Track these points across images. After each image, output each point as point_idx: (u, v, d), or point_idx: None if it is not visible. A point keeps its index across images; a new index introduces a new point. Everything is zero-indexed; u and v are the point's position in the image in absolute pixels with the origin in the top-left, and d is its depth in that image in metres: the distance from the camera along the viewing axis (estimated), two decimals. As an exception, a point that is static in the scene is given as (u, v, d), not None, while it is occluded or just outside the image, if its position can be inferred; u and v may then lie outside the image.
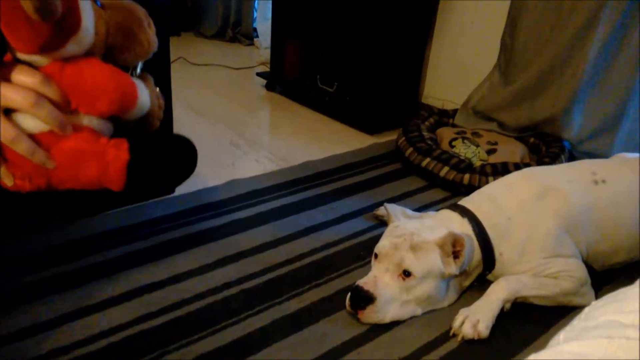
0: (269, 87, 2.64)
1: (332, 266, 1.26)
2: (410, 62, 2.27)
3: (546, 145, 1.82)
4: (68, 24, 0.52)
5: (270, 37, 2.56)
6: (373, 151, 1.97)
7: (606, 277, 1.23)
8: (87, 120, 0.55)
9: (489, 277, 1.19)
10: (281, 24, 2.48)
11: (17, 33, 0.49)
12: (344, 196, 1.61)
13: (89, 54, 0.54)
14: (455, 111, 2.10)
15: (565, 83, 1.77)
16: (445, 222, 1.17)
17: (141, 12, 0.64)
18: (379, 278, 1.09)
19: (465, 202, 1.24)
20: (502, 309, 1.10)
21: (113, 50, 0.58)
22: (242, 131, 2.11)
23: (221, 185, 1.62)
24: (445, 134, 1.94)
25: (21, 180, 0.53)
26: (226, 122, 2.19)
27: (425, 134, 1.88)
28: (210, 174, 1.70)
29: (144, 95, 0.60)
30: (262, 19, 3.48)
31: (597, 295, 1.16)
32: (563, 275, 1.12)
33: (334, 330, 1.06)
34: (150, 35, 0.63)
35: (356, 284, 1.09)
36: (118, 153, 0.56)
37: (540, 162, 1.67)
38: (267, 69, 2.75)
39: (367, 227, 1.45)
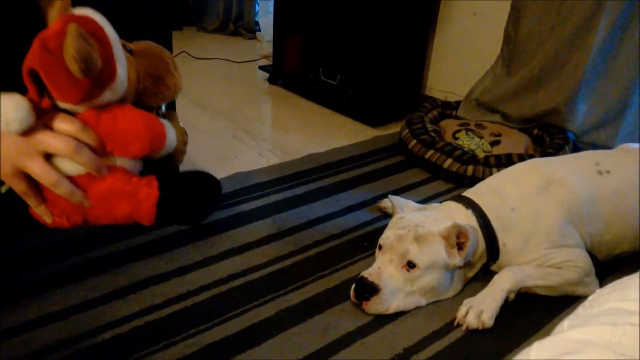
0: (271, 80, 2.64)
1: (336, 258, 1.27)
2: (413, 54, 2.26)
3: (550, 137, 1.82)
4: (104, 76, 0.56)
5: (272, 30, 2.56)
6: (376, 143, 1.97)
7: (610, 267, 1.23)
8: (121, 162, 0.59)
9: (493, 267, 1.19)
10: (283, 17, 2.48)
11: (60, 87, 0.53)
12: (347, 188, 1.61)
13: (122, 100, 0.59)
14: (458, 103, 2.09)
15: (569, 74, 1.76)
16: (449, 214, 1.17)
17: (167, 55, 0.68)
18: (383, 269, 1.09)
19: (469, 193, 1.24)
20: (506, 299, 1.11)
21: (142, 94, 0.62)
22: (245, 125, 2.11)
23: (224, 179, 1.62)
24: (449, 125, 1.93)
25: (60, 217, 0.57)
26: (229, 116, 2.20)
27: (429, 126, 1.88)
28: (214, 167, 1.71)
29: (171, 135, 0.65)
30: (264, 12, 3.47)
31: (601, 285, 1.16)
32: (567, 265, 1.13)
33: (339, 320, 1.06)
34: (176, 78, 0.67)
35: (360, 275, 1.10)
36: (149, 191, 0.60)
37: (544, 154, 1.67)
38: (270, 63, 2.75)
39: (370, 219, 1.45)
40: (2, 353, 0.93)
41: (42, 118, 0.54)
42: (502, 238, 1.15)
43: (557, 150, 1.68)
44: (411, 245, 1.08)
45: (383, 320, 1.07)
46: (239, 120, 2.15)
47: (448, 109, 2.09)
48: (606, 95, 1.78)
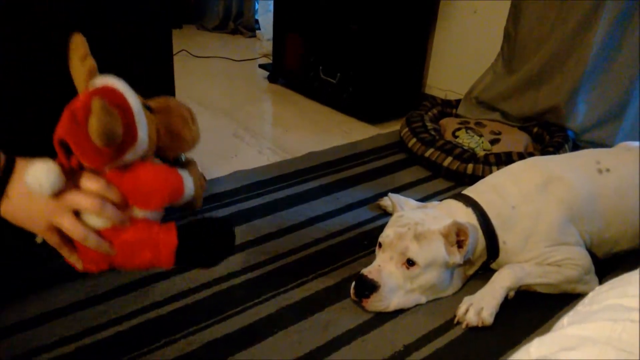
0: (271, 79, 2.64)
1: (337, 256, 1.27)
2: (413, 53, 2.26)
3: (550, 135, 1.82)
4: (126, 141, 0.61)
5: (272, 28, 2.56)
6: (376, 142, 1.97)
7: (610, 265, 1.23)
8: (142, 213, 0.64)
9: (493, 265, 1.20)
10: (283, 15, 2.48)
11: (86, 155, 0.59)
12: (347, 187, 1.61)
13: (143, 157, 0.64)
14: (458, 101, 2.09)
15: (569, 72, 1.76)
16: (449, 212, 1.17)
17: (185, 110, 0.72)
18: (383, 267, 1.10)
19: (469, 191, 1.24)
20: (506, 297, 1.11)
21: (162, 149, 0.67)
22: (245, 123, 2.12)
23: (225, 177, 1.62)
24: (449, 124, 1.93)
25: (89, 264, 0.64)
26: (229, 114, 2.20)
27: (429, 124, 1.88)
28: (214, 165, 1.71)
29: (189, 185, 0.69)
30: (264, 10, 3.47)
31: (601, 283, 1.16)
32: (567, 263, 1.13)
33: (339, 318, 1.07)
34: (194, 131, 0.72)
35: (360, 272, 1.10)
36: (168, 239, 0.65)
37: (544, 152, 1.67)
38: (270, 61, 2.75)
39: (370, 217, 1.45)
40: (4, 350, 0.93)
41: (71, 177, 0.61)
42: (502, 236, 1.16)
43: (557, 149, 1.68)
44: (411, 243, 1.08)
45: (383, 317, 1.08)
46: (239, 119, 2.15)
47: (448, 107, 2.09)
48: (606, 93, 1.78)
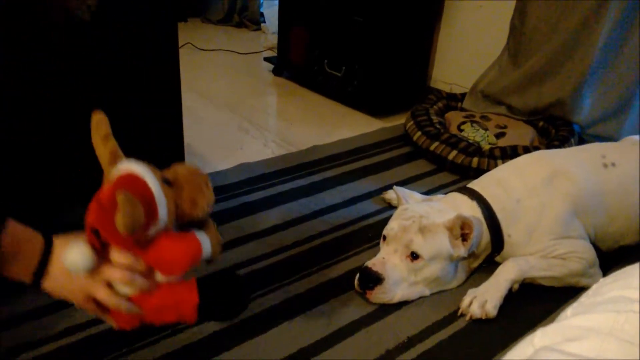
0: (276, 72, 2.64)
1: (341, 248, 1.27)
2: (419, 46, 2.25)
3: (555, 129, 1.81)
4: (148, 221, 0.67)
5: (277, 21, 2.55)
6: (381, 135, 1.97)
7: (614, 258, 1.23)
8: (166, 278, 0.71)
9: (497, 258, 1.20)
10: (288, 8, 2.47)
11: (113, 238, 0.67)
12: (352, 180, 1.62)
13: (164, 229, 0.71)
14: (463, 95, 2.09)
15: (575, 66, 1.75)
16: (454, 205, 1.18)
17: (201, 178, 0.77)
18: (387, 259, 1.10)
19: (474, 185, 1.24)
20: (510, 290, 1.11)
21: (180, 217, 0.72)
22: (250, 116, 2.12)
23: (230, 169, 1.63)
24: (454, 117, 1.93)
25: (122, 324, 0.72)
26: (234, 107, 2.20)
27: (434, 117, 1.88)
28: (219, 158, 1.72)
29: (207, 248, 0.74)
30: (269, 3, 3.46)
31: (605, 277, 1.16)
32: (571, 256, 1.13)
33: (343, 309, 1.07)
34: (209, 197, 0.77)
35: (365, 265, 1.11)
36: (190, 298, 0.72)
37: (549, 146, 1.67)
38: (274, 54, 2.75)
39: (375, 210, 1.46)
40: (5, 340, 0.94)
41: (102, 253, 0.69)
42: (507, 229, 1.16)
43: (562, 143, 1.67)
44: (415, 236, 1.09)
45: (387, 309, 1.08)
46: (244, 112, 2.16)
47: (453, 100, 2.08)
48: (612, 87, 1.77)
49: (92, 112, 0.71)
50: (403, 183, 1.60)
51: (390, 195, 1.49)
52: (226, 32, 3.49)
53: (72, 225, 1.25)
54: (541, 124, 1.89)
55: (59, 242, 0.68)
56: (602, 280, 0.53)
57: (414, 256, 1.09)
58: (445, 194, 1.30)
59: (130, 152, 1.43)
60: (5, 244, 0.64)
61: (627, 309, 0.43)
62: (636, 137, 1.35)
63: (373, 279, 1.08)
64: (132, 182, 0.67)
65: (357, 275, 1.12)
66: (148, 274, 0.70)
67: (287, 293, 1.11)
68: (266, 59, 2.75)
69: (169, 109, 1.45)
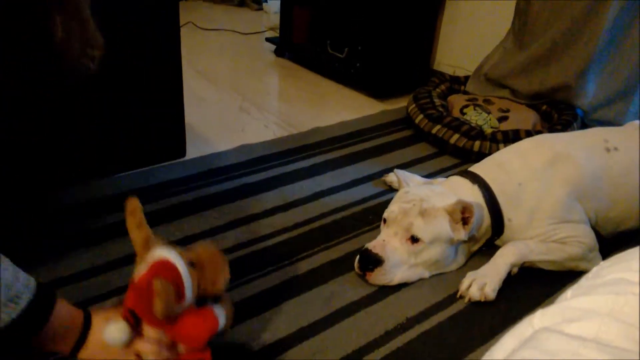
0: (278, 52, 2.61)
1: (341, 230, 1.28)
2: (422, 28, 2.23)
3: (558, 113, 1.80)
4: (177, 301, 0.76)
5: (279, 1, 2.52)
6: (383, 118, 1.96)
7: (614, 244, 1.23)
8: (186, 349, 0.80)
9: (497, 242, 1.20)
10: (291, -13, 2.44)
11: (149, 320, 0.76)
12: (353, 162, 1.61)
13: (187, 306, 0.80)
14: (467, 78, 2.07)
15: (580, 49, 1.74)
16: (455, 189, 1.17)
17: (220, 257, 0.83)
18: (387, 242, 1.10)
19: (475, 168, 1.24)
20: (509, 273, 1.12)
21: (200, 294, 0.80)
22: (252, 97, 2.11)
23: (231, 150, 1.62)
24: (457, 101, 1.92)
25: None
26: (235, 88, 2.19)
27: (436, 100, 1.87)
28: (220, 139, 1.71)
29: (222, 321, 0.82)
30: (272, -18, 3.41)
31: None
32: (571, 241, 1.13)
33: (343, 290, 1.08)
34: (226, 274, 0.83)
35: (365, 246, 1.11)
36: None
37: (552, 130, 1.66)
38: (276, 35, 2.72)
39: (376, 192, 1.46)
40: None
41: (137, 329, 0.77)
42: (508, 213, 1.16)
43: (565, 127, 1.67)
44: (415, 219, 1.09)
45: (386, 291, 1.09)
46: (246, 92, 2.14)
47: (456, 83, 2.07)
48: (617, 72, 1.76)
49: (127, 199, 0.81)
50: (404, 166, 1.60)
51: (391, 178, 1.49)
52: (228, 11, 3.46)
53: (67, 206, 1.25)
54: (544, 108, 1.88)
55: (96, 318, 0.77)
56: (602, 263, 0.53)
57: (414, 239, 1.09)
58: (447, 177, 1.30)
59: (131, 132, 1.43)
60: (53, 326, 0.70)
61: (627, 291, 0.43)
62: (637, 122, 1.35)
63: (373, 261, 1.08)
64: (165, 269, 0.76)
65: (357, 257, 1.12)
66: (172, 344, 0.79)
67: (287, 274, 1.11)
68: (268, 40, 2.72)
69: (170, 88, 1.44)
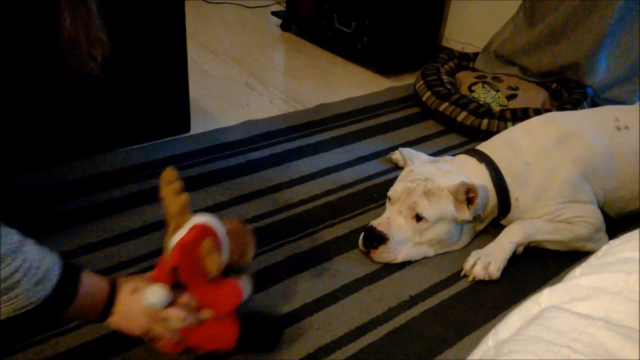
0: (284, 27, 2.57)
1: (346, 207, 1.27)
2: (431, 2, 2.18)
3: (568, 92, 1.77)
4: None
5: (286, -26, 2.47)
6: (390, 94, 1.93)
7: (620, 224, 1.22)
8: (209, 314, 0.82)
9: (503, 221, 1.19)
10: (298, -41, 2.38)
11: (191, 277, 0.78)
12: (359, 139, 1.60)
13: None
14: (476, 55, 2.03)
15: (592, 26, 1.69)
16: (462, 167, 1.16)
17: (248, 232, 0.87)
18: (392, 220, 1.10)
19: (483, 146, 1.22)
20: (514, 253, 1.11)
21: (229, 264, 0.82)
22: (257, 72, 2.08)
23: (236, 126, 1.61)
24: (465, 78, 1.89)
25: (170, 350, 0.82)
26: (240, 63, 2.16)
27: (444, 77, 1.84)
28: (225, 114, 1.70)
29: (247, 292, 0.85)
30: (278, -45, 3.33)
31: (611, 242, 1.15)
32: (578, 221, 1.12)
33: (347, 267, 1.08)
34: (253, 249, 0.88)
35: (370, 224, 1.11)
36: (231, 331, 0.83)
37: (561, 108, 1.63)
38: (283, 8, 2.67)
39: (381, 170, 1.45)
40: None
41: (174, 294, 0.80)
42: (515, 192, 1.15)
43: (574, 106, 1.64)
44: (420, 198, 1.08)
45: (390, 269, 1.09)
46: (251, 67, 2.12)
47: (465, 60, 2.03)
48: (629, 50, 1.72)
49: (165, 169, 0.83)
50: (411, 144, 1.58)
51: (397, 155, 1.48)
52: (233, -16, 3.39)
53: (72, 180, 1.25)
54: (554, 86, 1.84)
55: (122, 286, 0.79)
56: (611, 242, 0.52)
57: (419, 217, 1.08)
58: (454, 156, 1.28)
59: (136, 107, 1.42)
60: (81, 299, 0.72)
61: (637, 269, 0.42)
62: None
63: (377, 238, 1.08)
64: (210, 232, 0.78)
65: (362, 234, 1.12)
66: (197, 310, 0.81)
67: (291, 250, 1.11)
68: (274, 13, 2.68)
69: (174, 62, 1.42)
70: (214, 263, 0.76)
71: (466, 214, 1.09)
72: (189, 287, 0.80)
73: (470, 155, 1.20)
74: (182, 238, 0.76)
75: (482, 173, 1.15)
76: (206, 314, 0.82)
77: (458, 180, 1.09)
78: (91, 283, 0.75)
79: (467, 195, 1.08)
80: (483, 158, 1.17)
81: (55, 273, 0.69)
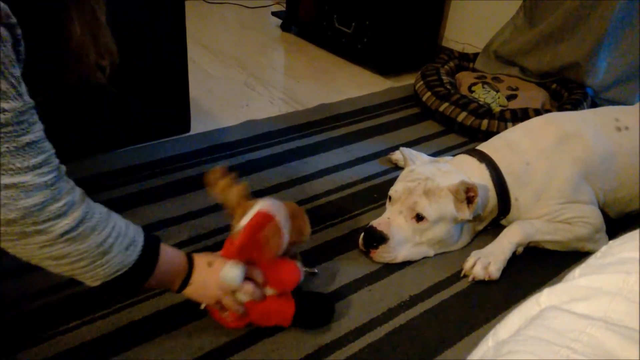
0: (284, 27, 2.57)
1: (346, 207, 1.27)
2: (431, 3, 2.18)
3: (568, 92, 1.77)
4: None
5: (286, -26, 2.47)
6: (390, 95, 1.93)
7: (621, 224, 1.22)
8: (272, 292, 0.90)
9: (503, 221, 1.19)
10: (298, -40, 2.38)
11: (258, 257, 0.86)
12: (359, 139, 1.60)
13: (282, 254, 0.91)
14: (476, 55, 2.03)
15: (592, 27, 1.69)
16: (462, 167, 1.16)
17: (304, 213, 0.95)
18: (392, 220, 1.10)
19: (483, 147, 1.22)
20: (514, 253, 1.11)
21: (289, 243, 0.90)
22: (257, 72, 2.08)
23: (236, 126, 1.61)
24: (465, 78, 1.89)
25: (233, 322, 0.90)
26: (240, 63, 2.16)
27: (444, 78, 1.84)
28: (225, 114, 1.70)
29: (302, 274, 0.93)
30: (278, -45, 3.34)
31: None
32: (578, 221, 1.12)
33: (347, 267, 1.08)
34: (309, 229, 0.95)
35: (370, 224, 1.11)
36: (288, 308, 0.91)
37: (561, 109, 1.64)
38: (283, 8, 2.67)
39: (381, 170, 1.45)
40: (17, 288, 0.95)
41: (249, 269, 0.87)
42: (515, 193, 1.15)
43: (574, 106, 1.64)
44: (420, 198, 1.08)
45: (390, 269, 1.09)
46: (251, 67, 2.12)
47: (465, 60, 2.03)
48: (628, 51, 1.72)
49: (213, 169, 0.92)
50: (410, 144, 1.58)
51: (397, 156, 1.48)
52: (233, -15, 3.39)
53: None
54: (554, 86, 1.84)
55: (197, 260, 0.85)
56: (611, 242, 0.52)
57: (419, 217, 1.08)
58: (454, 156, 1.28)
59: (136, 107, 1.42)
60: (162, 265, 0.78)
61: (636, 270, 0.42)
62: None
63: (377, 238, 1.08)
64: (272, 216, 0.85)
65: (362, 234, 1.12)
66: (261, 287, 0.88)
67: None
68: (274, 14, 2.68)
69: (175, 62, 1.42)
70: (276, 244, 0.85)
71: (466, 214, 1.09)
72: (260, 262, 0.87)
73: (470, 155, 1.20)
74: (248, 222, 0.84)
75: (483, 173, 1.15)
76: (268, 291, 0.89)
77: (458, 179, 1.09)
78: (170, 252, 0.82)
79: (467, 194, 1.08)
80: (483, 158, 1.17)
81: (140, 239, 0.75)
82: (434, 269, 1.10)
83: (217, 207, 1.23)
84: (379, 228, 1.08)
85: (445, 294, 1.04)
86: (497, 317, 0.99)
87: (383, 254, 1.09)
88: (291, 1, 2.47)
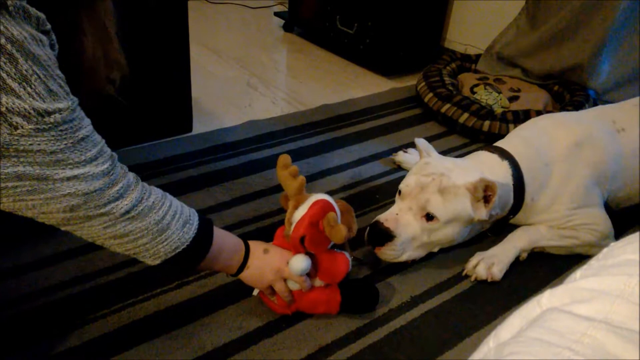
0: (286, 27, 2.58)
1: (348, 208, 1.27)
2: (434, 4, 2.18)
3: (570, 94, 1.77)
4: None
5: (289, -26, 2.47)
6: (392, 96, 1.93)
7: (621, 225, 1.22)
8: (320, 283, 0.94)
9: (512, 220, 1.17)
10: (301, -40, 2.38)
11: (317, 247, 0.90)
12: (361, 140, 1.60)
13: (333, 246, 0.95)
14: (478, 56, 2.03)
15: (594, 29, 1.69)
16: (482, 164, 1.11)
17: (351, 208, 0.97)
18: (400, 216, 1.04)
19: (502, 144, 1.18)
20: (517, 258, 1.11)
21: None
22: (259, 72, 2.08)
23: (238, 126, 1.61)
24: (467, 79, 1.89)
25: (282, 309, 0.94)
26: (243, 63, 2.16)
27: (446, 79, 1.84)
28: (227, 114, 1.70)
29: (351, 264, 0.96)
30: (281, -44, 3.34)
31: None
32: (585, 228, 1.11)
33: (348, 268, 1.08)
34: (356, 226, 0.97)
35: (376, 218, 1.06)
36: (335, 296, 0.95)
37: (563, 111, 1.63)
38: (285, 9, 2.68)
39: (383, 171, 1.45)
40: (18, 287, 0.96)
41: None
42: (531, 193, 1.11)
43: (576, 108, 1.63)
44: (433, 196, 1.02)
45: (391, 269, 1.09)
46: (253, 68, 2.12)
47: (467, 62, 2.03)
48: (631, 52, 1.72)
49: (281, 155, 0.94)
50: (412, 145, 1.58)
51: (399, 157, 1.47)
52: (236, -15, 3.39)
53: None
54: (556, 88, 1.84)
55: (253, 246, 0.90)
56: (613, 244, 0.52)
57: (429, 217, 1.02)
58: (456, 157, 1.28)
59: (138, 106, 1.42)
60: (215, 244, 0.82)
61: (638, 272, 0.42)
62: (637, 98, 1.30)
63: (384, 236, 1.03)
64: (330, 207, 0.89)
65: (367, 228, 1.07)
66: (311, 277, 0.93)
67: (292, 250, 1.11)
68: (277, 14, 2.68)
69: (177, 62, 1.43)
70: (338, 233, 0.86)
71: (483, 213, 1.03)
72: (318, 250, 0.90)
73: (491, 151, 1.14)
74: (309, 212, 0.87)
75: (506, 171, 1.10)
76: (316, 282, 0.93)
77: (477, 177, 1.03)
78: (224, 233, 0.86)
79: (485, 193, 1.03)
80: (505, 155, 1.12)
81: (195, 218, 0.79)
82: (435, 269, 1.10)
83: (217, 207, 1.23)
84: (386, 224, 1.03)
85: (446, 295, 1.04)
86: (498, 318, 0.99)
87: (387, 252, 1.04)
88: (294, 2, 2.47)
